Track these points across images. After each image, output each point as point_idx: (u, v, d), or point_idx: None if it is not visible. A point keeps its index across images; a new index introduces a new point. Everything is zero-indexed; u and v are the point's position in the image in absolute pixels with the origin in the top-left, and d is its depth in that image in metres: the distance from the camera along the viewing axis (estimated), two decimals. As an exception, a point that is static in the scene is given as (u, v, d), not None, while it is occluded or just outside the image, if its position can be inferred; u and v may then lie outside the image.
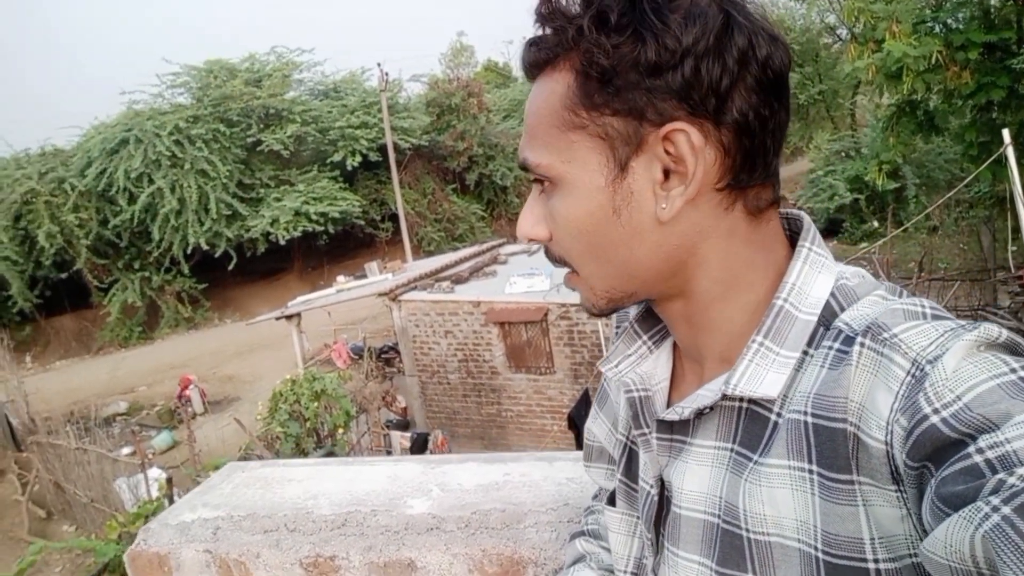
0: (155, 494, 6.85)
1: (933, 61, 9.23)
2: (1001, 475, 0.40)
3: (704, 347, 0.61)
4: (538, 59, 0.58)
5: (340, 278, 12.05)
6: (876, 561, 0.49)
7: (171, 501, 6.83)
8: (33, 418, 9.67)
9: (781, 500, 0.52)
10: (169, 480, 6.66)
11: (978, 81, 9.46)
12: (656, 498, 0.62)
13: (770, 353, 0.56)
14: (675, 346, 0.67)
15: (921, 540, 0.46)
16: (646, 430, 0.63)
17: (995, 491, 0.40)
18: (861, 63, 9.94)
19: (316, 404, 7.48)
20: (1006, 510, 0.38)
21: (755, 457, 0.55)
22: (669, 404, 0.64)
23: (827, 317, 0.56)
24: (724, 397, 0.56)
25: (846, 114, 21.14)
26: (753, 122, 0.53)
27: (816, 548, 0.51)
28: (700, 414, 0.58)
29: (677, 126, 0.53)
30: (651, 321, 0.68)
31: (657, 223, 0.55)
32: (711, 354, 0.61)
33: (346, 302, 10.88)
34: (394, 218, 18.54)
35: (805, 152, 21.92)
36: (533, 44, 0.58)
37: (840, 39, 15.94)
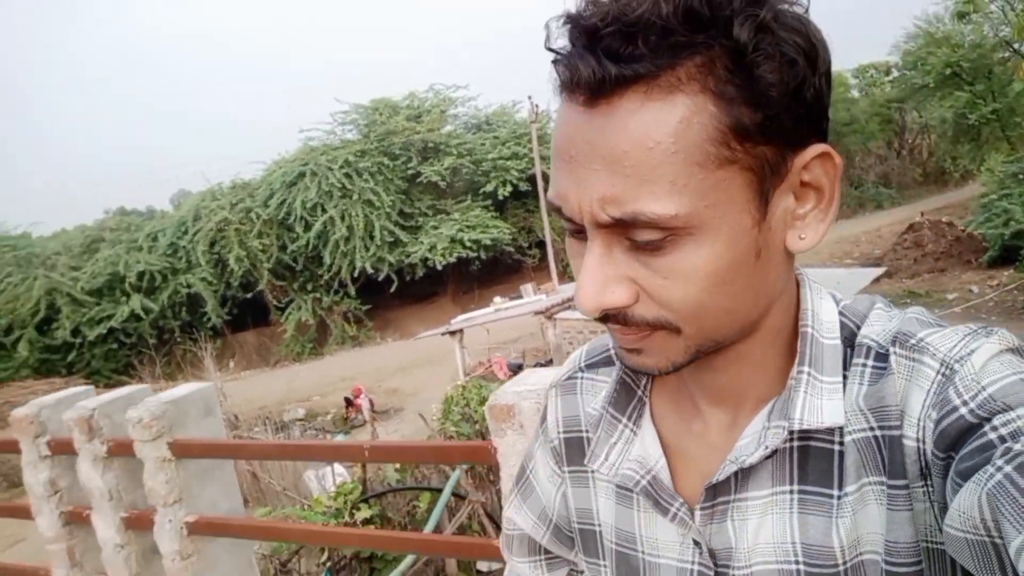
0: (337, 483, 7.99)
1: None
2: (1009, 443, 0.42)
3: (749, 388, 0.57)
4: (639, 73, 0.44)
5: (497, 299, 13.06)
6: (918, 563, 0.51)
7: (364, 484, 7.92)
8: (235, 415, 11.30)
9: (866, 519, 0.52)
10: (363, 466, 7.78)
11: None
12: (709, 573, 0.58)
13: (817, 382, 0.54)
14: (654, 421, 0.63)
15: (940, 528, 0.48)
16: (672, 507, 0.59)
17: (1002, 456, 0.42)
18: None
19: (483, 408, 8.38)
20: (1008, 468, 0.40)
21: (836, 492, 0.53)
22: (674, 479, 0.60)
23: (847, 337, 0.56)
24: (791, 434, 0.53)
25: (1025, 134, 19.89)
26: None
27: (881, 557, 0.52)
28: (746, 467, 0.55)
29: (822, 149, 0.49)
30: (624, 399, 0.63)
31: (784, 256, 0.52)
32: (752, 395, 0.57)
33: (504, 319, 11.83)
34: (541, 245, 19.55)
35: (976, 175, 20.77)
36: (613, 54, 0.45)
37: (1017, 52, 15.23)
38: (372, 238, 20.05)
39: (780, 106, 0.46)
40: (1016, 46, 14.95)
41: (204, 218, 20.29)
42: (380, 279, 20.23)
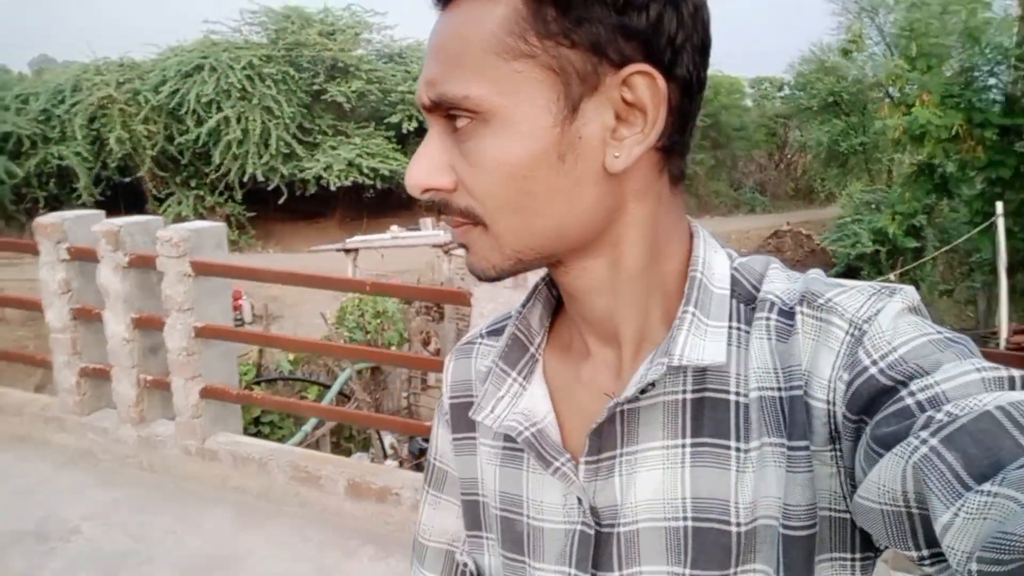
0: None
1: (953, 132, 10.89)
2: (930, 412, 0.43)
3: (623, 323, 0.58)
4: None
5: (394, 227, 13.79)
6: (813, 526, 0.52)
7: (258, 369, 8.59)
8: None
9: (764, 481, 0.53)
10: (260, 351, 8.46)
11: (990, 158, 11.13)
12: (590, 531, 0.57)
13: (701, 324, 0.55)
14: (546, 378, 0.63)
15: (847, 496, 0.50)
16: (557, 462, 0.58)
17: (924, 426, 0.42)
18: (891, 121, 11.60)
19: (377, 321, 9.25)
20: (933, 441, 0.40)
21: (736, 444, 0.54)
22: (563, 435, 0.60)
23: (741, 292, 0.57)
24: (669, 370, 0.53)
25: (883, 169, 22.69)
26: (694, 83, 0.52)
27: (779, 523, 0.52)
28: (630, 413, 0.56)
29: (642, 68, 0.49)
30: (515, 355, 0.63)
31: (603, 174, 0.52)
32: (629, 332, 0.58)
33: (402, 247, 12.64)
34: (437, 186, 20.32)
35: (838, 198, 23.50)
36: None
37: (887, 94, 17.56)
38: (267, 146, 19.97)
39: (597, 10, 0.48)
40: (888, 88, 17.20)
41: (85, 91, 19.38)
42: (269, 189, 20.21)
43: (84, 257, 3.56)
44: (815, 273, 0.58)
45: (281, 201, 20.46)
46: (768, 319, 0.55)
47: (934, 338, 0.48)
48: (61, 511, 3.34)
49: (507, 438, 0.63)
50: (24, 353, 5.65)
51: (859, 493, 0.46)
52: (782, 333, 0.54)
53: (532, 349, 0.64)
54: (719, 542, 0.54)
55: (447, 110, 0.52)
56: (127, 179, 19.76)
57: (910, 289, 0.53)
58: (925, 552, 0.43)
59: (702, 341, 0.55)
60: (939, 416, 0.42)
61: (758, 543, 0.53)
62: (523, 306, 0.65)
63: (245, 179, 20.06)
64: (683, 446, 0.55)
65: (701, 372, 0.56)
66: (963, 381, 0.44)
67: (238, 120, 19.71)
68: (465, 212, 0.53)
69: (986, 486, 0.37)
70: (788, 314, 0.54)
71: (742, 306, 0.57)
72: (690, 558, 0.55)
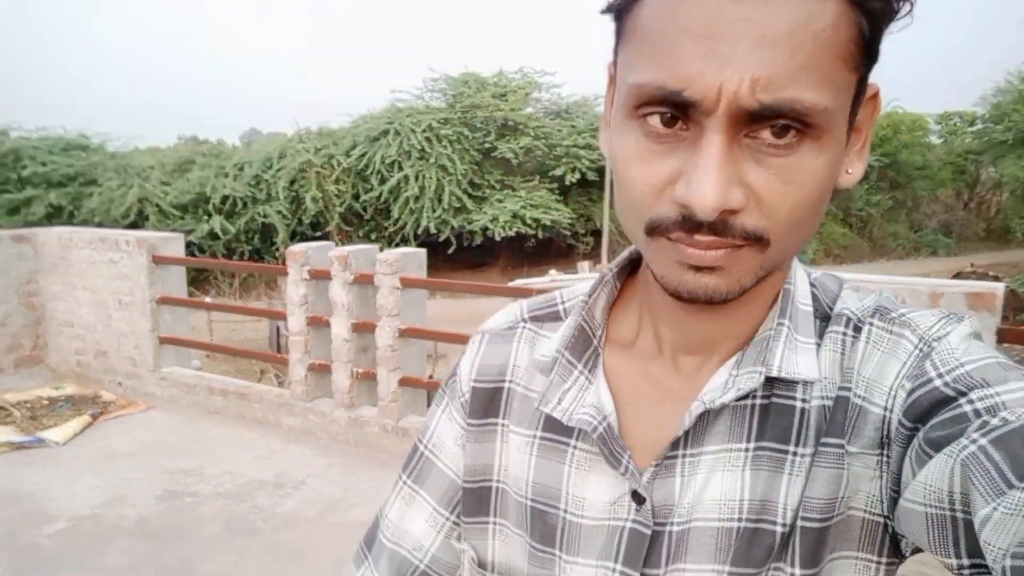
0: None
1: None
2: (985, 417, 0.44)
3: (724, 335, 0.58)
4: None
5: (552, 271, 14.84)
6: (837, 516, 0.53)
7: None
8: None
9: (811, 483, 0.54)
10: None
11: None
12: (646, 530, 0.57)
13: (794, 338, 0.56)
14: (606, 372, 0.62)
15: (885, 501, 0.52)
16: (624, 459, 0.58)
17: (978, 429, 0.43)
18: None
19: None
20: (983, 441, 0.41)
21: (794, 449, 0.55)
22: (621, 432, 0.59)
23: (819, 309, 0.59)
24: (768, 381, 0.54)
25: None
26: None
27: (800, 516, 0.54)
28: (702, 417, 0.56)
29: (877, 89, 0.50)
30: (580, 346, 0.63)
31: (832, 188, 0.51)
32: (726, 345, 0.58)
33: (559, 288, 13.60)
34: (596, 234, 21.28)
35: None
36: None
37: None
38: (440, 201, 21.97)
39: (881, 29, 0.47)
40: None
41: (289, 157, 22.41)
42: (440, 240, 22.14)
43: (320, 276, 4.77)
44: (887, 295, 0.59)
45: (450, 251, 22.32)
46: (842, 333, 0.56)
47: (1003, 361, 0.49)
48: (291, 470, 4.46)
49: (548, 428, 0.62)
50: (268, 353, 7.14)
51: (905, 496, 0.46)
52: (849, 345, 0.56)
53: (596, 342, 0.63)
54: (764, 542, 0.54)
55: (770, 119, 0.45)
56: (318, 234, 22.44)
57: (975, 319, 0.55)
58: (965, 561, 0.43)
59: (795, 355, 0.55)
60: (993, 421, 0.43)
61: (791, 541, 0.54)
62: (589, 296, 0.64)
63: (419, 231, 22.13)
64: (746, 450, 0.56)
65: (771, 380, 0.55)
66: (1023, 395, 0.44)
67: (416, 178, 21.90)
68: (751, 234, 0.48)
69: None
70: (857, 327, 0.56)
71: (819, 322, 0.58)
72: (731, 556, 0.55)
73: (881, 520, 0.54)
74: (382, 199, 21.79)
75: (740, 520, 0.56)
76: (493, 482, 0.66)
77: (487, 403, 0.68)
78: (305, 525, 3.82)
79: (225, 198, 21.66)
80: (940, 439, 0.45)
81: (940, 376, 0.50)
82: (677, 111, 0.47)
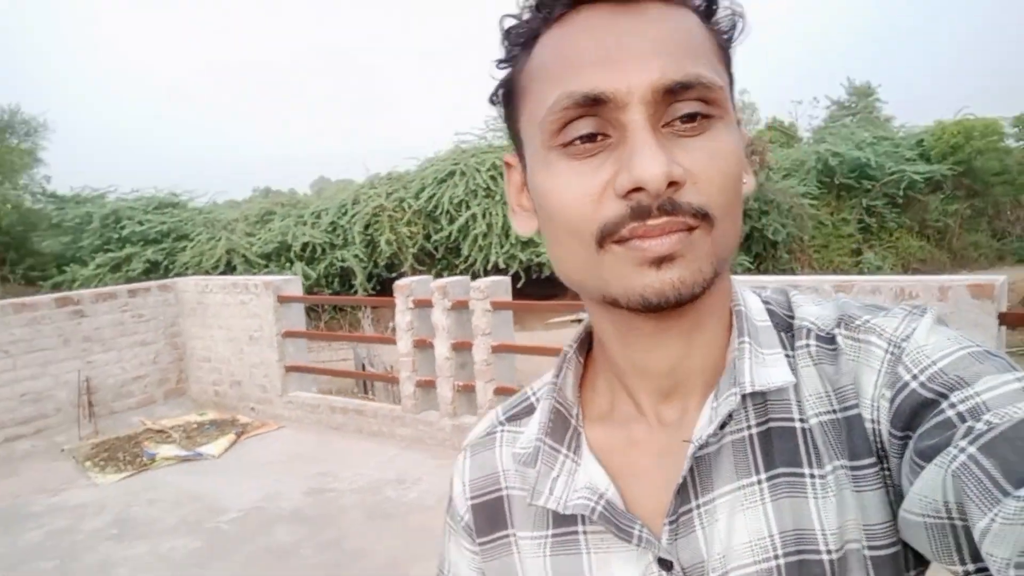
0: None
1: None
2: (970, 422, 0.44)
3: (692, 372, 0.59)
4: None
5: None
6: (897, 543, 0.53)
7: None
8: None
9: (844, 505, 0.53)
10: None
11: None
12: None
13: (759, 352, 0.57)
14: (591, 447, 0.62)
15: (896, 516, 0.51)
16: (635, 529, 0.57)
17: (964, 436, 0.44)
18: None
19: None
20: (972, 449, 0.42)
21: (810, 471, 0.55)
22: (625, 503, 0.59)
23: (778, 322, 0.60)
24: (743, 399, 0.55)
25: None
26: None
27: (863, 544, 0.53)
28: (700, 461, 0.56)
29: (739, 116, 0.57)
30: (559, 430, 0.63)
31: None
32: (700, 381, 0.59)
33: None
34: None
35: None
36: None
37: None
38: (507, 236, 23.01)
39: (728, 48, 0.56)
40: None
41: (362, 202, 23.90)
42: (509, 274, 23.16)
43: (422, 305, 5.74)
44: (844, 298, 0.61)
45: (519, 284, 23.33)
46: (808, 346, 0.58)
47: (973, 351, 0.50)
48: (409, 470, 5.39)
49: (558, 523, 0.62)
50: (380, 374, 8.19)
51: (903, 507, 0.47)
52: (825, 357, 0.57)
53: (574, 422, 0.64)
54: (813, 573, 0.53)
55: (678, 99, 0.51)
56: (392, 275, 23.79)
57: (934, 308, 0.56)
58: (971, 567, 0.44)
59: (764, 368, 0.56)
60: (978, 425, 0.44)
61: (849, 569, 0.53)
62: (556, 376, 0.64)
63: (489, 267, 23.22)
64: (759, 482, 0.55)
65: (762, 404, 0.56)
66: (1004, 391, 0.46)
67: (483, 216, 23.05)
68: (697, 210, 0.51)
69: (1023, 491, 0.38)
70: (827, 339, 0.57)
71: (783, 334, 0.59)
72: None
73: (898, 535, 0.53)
74: (452, 238, 22.98)
75: (777, 558, 0.54)
76: None
77: (491, 517, 0.67)
78: (428, 511, 4.72)
79: (305, 245, 23.26)
80: (929, 449, 0.46)
81: (915, 378, 0.50)
82: (596, 115, 0.51)
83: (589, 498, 0.59)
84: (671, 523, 0.57)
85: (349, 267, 24.11)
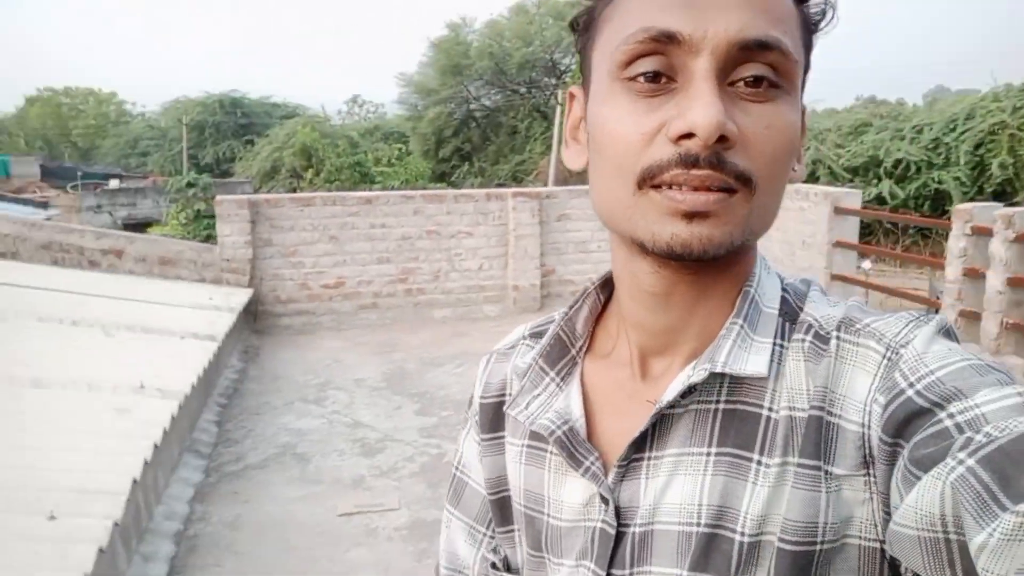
0: None
1: None
2: (968, 434, 0.44)
3: (687, 336, 0.62)
4: None
5: None
6: (823, 543, 0.54)
7: None
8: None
9: (779, 499, 0.55)
10: None
11: None
12: (611, 530, 0.61)
13: (748, 337, 0.59)
14: (582, 381, 0.67)
15: (879, 525, 0.52)
16: (587, 461, 0.62)
17: (963, 447, 0.43)
18: None
19: None
20: (970, 461, 0.42)
21: (759, 457, 0.57)
22: (590, 437, 0.64)
23: (788, 311, 0.61)
24: (711, 376, 0.57)
25: None
26: None
27: (777, 537, 0.55)
28: (663, 419, 0.59)
29: (804, 105, 0.59)
30: (556, 355, 0.69)
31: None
32: (687, 345, 0.62)
33: None
34: None
35: None
36: None
37: None
38: None
39: (814, 31, 0.57)
40: None
41: (978, 117, 21.30)
42: None
43: (981, 233, 5.51)
44: (855, 301, 0.62)
45: None
46: (804, 340, 0.59)
47: (974, 363, 0.50)
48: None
49: (532, 436, 0.67)
50: (922, 298, 8.11)
51: (895, 520, 0.46)
52: (814, 355, 0.58)
53: (573, 352, 0.69)
54: (721, 548, 0.56)
55: (750, 60, 0.53)
56: (1002, 204, 20.86)
57: (943, 316, 0.57)
58: None
59: (746, 353, 0.58)
60: (978, 437, 0.43)
61: (760, 557, 0.55)
62: (570, 308, 0.70)
63: None
64: (708, 454, 0.58)
65: (738, 384, 0.59)
66: (1004, 404, 0.45)
67: None
68: (742, 173, 0.53)
69: (1022, 507, 0.38)
70: (823, 338, 0.58)
71: (787, 324, 0.61)
72: (691, 561, 0.57)
73: (877, 545, 0.53)
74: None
75: (698, 525, 0.57)
76: (507, 491, 0.71)
77: (492, 418, 0.73)
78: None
79: (898, 162, 21.89)
80: (926, 459, 0.45)
81: (911, 385, 0.50)
82: (666, 56, 0.53)
83: (553, 421, 0.64)
84: (620, 466, 0.61)
85: (945, 190, 21.91)
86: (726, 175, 0.53)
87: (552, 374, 0.69)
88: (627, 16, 0.56)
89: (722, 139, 0.52)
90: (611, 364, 0.67)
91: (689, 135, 0.52)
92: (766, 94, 0.54)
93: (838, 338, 0.58)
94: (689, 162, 0.53)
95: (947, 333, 0.56)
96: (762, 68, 0.53)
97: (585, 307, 0.70)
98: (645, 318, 0.64)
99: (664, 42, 0.53)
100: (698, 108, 0.52)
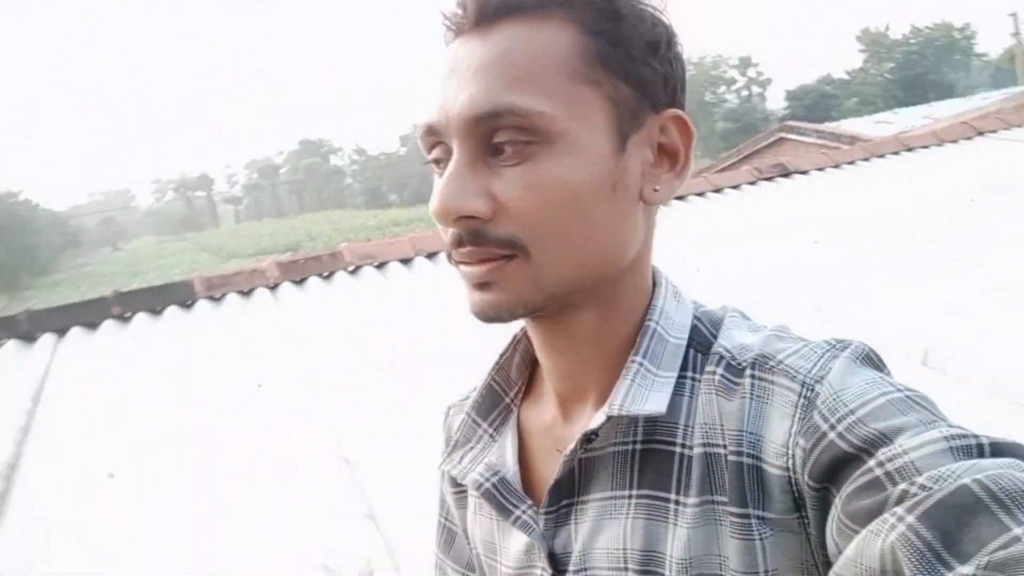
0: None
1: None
2: (903, 485, 0.44)
3: (589, 378, 0.64)
4: (513, 3, 0.56)
5: None
6: None
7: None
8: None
9: (706, 540, 0.56)
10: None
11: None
12: (547, 575, 0.63)
13: (649, 374, 0.60)
14: (519, 430, 0.70)
15: (819, 565, 0.52)
16: (517, 511, 0.64)
17: (899, 501, 0.44)
18: None
19: None
20: (910, 519, 0.42)
21: (676, 497, 0.58)
22: (526, 488, 0.66)
23: (700, 341, 0.62)
24: (609, 420, 0.58)
25: None
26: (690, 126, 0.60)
27: None
28: (586, 463, 0.62)
29: (678, 113, 0.59)
30: (488, 405, 0.71)
31: (639, 208, 0.59)
32: (594, 387, 0.64)
33: None
34: None
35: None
36: None
37: None
38: None
39: (638, 51, 0.57)
40: None
41: None
42: None
43: None
44: (776, 328, 0.62)
45: None
46: (715, 373, 0.59)
47: (893, 397, 0.50)
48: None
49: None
50: None
51: (835, 570, 0.47)
52: (726, 391, 0.58)
53: (507, 399, 0.72)
54: None
55: (495, 128, 0.54)
56: None
57: (860, 342, 0.57)
58: None
59: (647, 391, 0.59)
60: (913, 489, 0.43)
61: None
62: (502, 356, 0.72)
63: None
64: (629, 497, 0.60)
65: (652, 423, 0.60)
66: (931, 450, 0.46)
67: None
68: (506, 241, 0.55)
69: (968, 568, 0.38)
70: (737, 371, 0.58)
71: (699, 356, 0.62)
72: None
73: None
74: None
75: (627, 570, 0.59)
76: (473, 545, 0.75)
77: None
78: None
79: None
80: (861, 512, 0.46)
81: (832, 428, 0.51)
82: (444, 141, 0.58)
83: (483, 474, 0.67)
84: (549, 514, 0.64)
85: None
86: (489, 247, 0.56)
87: (485, 425, 0.71)
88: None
89: (471, 217, 0.56)
90: (542, 408, 0.70)
91: None
92: (517, 156, 0.55)
93: (752, 376, 0.58)
94: (455, 242, 0.58)
95: (865, 359, 0.56)
96: (506, 134, 0.55)
97: (517, 354, 0.72)
98: (547, 364, 0.67)
99: (430, 133, 0.59)
100: (433, 197, 0.57)
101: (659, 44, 0.58)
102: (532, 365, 0.73)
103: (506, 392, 0.72)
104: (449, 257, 0.60)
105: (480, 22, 0.57)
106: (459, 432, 0.72)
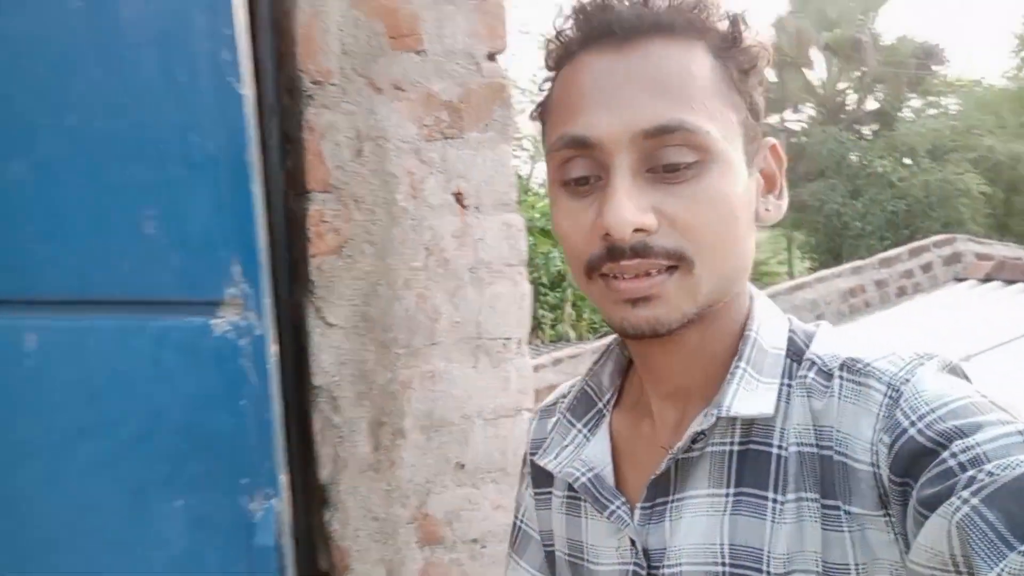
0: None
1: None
2: (971, 472, 0.48)
3: (695, 382, 0.68)
4: (663, 22, 0.60)
5: None
6: None
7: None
8: None
9: (801, 535, 0.60)
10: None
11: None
12: (642, 572, 0.67)
13: (752, 379, 0.64)
14: (611, 431, 0.75)
15: (907, 566, 0.55)
16: (612, 505, 0.69)
17: (966, 486, 0.48)
18: None
19: None
20: (975, 501, 0.46)
21: (773, 495, 0.62)
22: (618, 484, 0.71)
23: (794, 351, 0.67)
24: (719, 421, 0.63)
25: None
26: None
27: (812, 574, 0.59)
28: (683, 462, 0.66)
29: (773, 142, 0.65)
30: (582, 408, 0.77)
31: (755, 227, 0.65)
32: (700, 393, 0.68)
33: None
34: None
35: None
36: (648, 4, 0.60)
37: None
38: None
39: (754, 77, 0.63)
40: None
41: None
42: None
43: None
44: (868, 339, 0.65)
45: None
46: (806, 377, 0.64)
47: (975, 400, 0.55)
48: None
49: (570, 487, 0.74)
50: None
51: (909, 558, 0.52)
52: (817, 393, 0.62)
53: (600, 404, 0.77)
54: None
55: (663, 144, 0.59)
56: None
57: (947, 355, 0.61)
58: None
59: (752, 395, 0.64)
60: (980, 476, 0.48)
61: None
62: (594, 364, 0.78)
63: None
64: (727, 495, 0.64)
65: (748, 425, 0.64)
66: (1004, 443, 0.50)
67: None
68: (673, 252, 0.60)
69: None
70: (826, 375, 0.63)
71: (794, 364, 0.66)
72: None
73: None
74: None
75: (723, 565, 0.63)
76: (554, 546, 0.80)
77: (542, 473, 0.80)
78: None
79: None
80: (932, 498, 0.50)
81: (913, 424, 0.55)
82: (590, 157, 0.61)
83: (579, 469, 0.72)
84: (645, 509, 0.68)
85: None
86: (655, 258, 0.60)
87: (579, 426, 0.76)
88: (555, 119, 0.65)
89: (640, 230, 0.59)
90: (637, 415, 0.74)
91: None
92: (684, 173, 0.59)
93: (841, 377, 0.61)
94: (616, 255, 0.60)
95: (951, 370, 0.60)
96: (674, 152, 0.59)
97: (609, 363, 0.78)
98: (652, 373, 0.71)
99: (582, 147, 0.61)
100: (608, 210, 0.59)
101: (763, 70, 0.64)
102: (623, 374, 0.78)
103: (599, 397, 0.77)
104: (591, 273, 0.63)
105: (630, 37, 0.60)
106: (554, 431, 0.77)
